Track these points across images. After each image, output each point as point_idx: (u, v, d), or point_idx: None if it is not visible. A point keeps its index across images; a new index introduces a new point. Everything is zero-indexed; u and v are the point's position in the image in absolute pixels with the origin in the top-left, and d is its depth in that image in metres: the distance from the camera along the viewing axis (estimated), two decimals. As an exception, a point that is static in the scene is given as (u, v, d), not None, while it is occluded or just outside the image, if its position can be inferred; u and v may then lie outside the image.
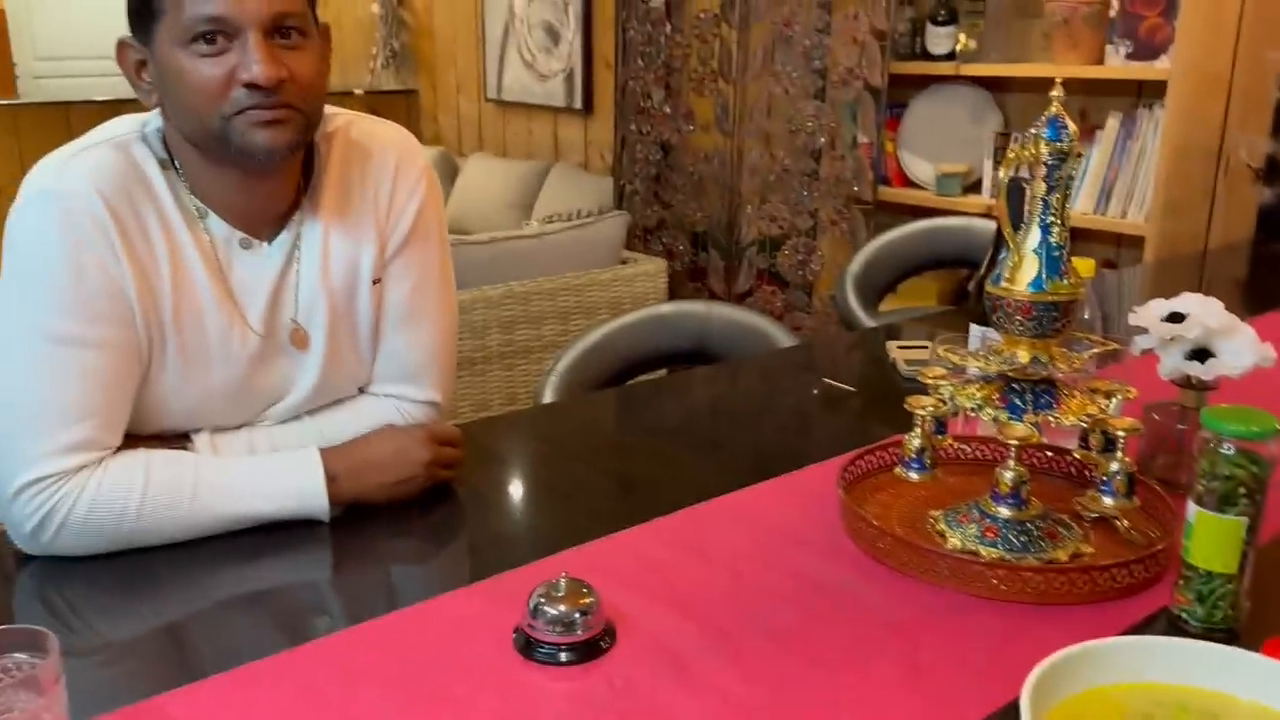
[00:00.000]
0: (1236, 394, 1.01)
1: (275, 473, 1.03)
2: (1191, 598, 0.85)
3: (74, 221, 0.96)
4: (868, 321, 2.30)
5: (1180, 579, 0.86)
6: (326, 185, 1.10)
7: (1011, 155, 0.92)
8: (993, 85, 3.00)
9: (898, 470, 0.99)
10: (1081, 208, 2.68)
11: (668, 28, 3.44)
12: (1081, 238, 2.79)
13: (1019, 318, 0.92)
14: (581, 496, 1.18)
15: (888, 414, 1.35)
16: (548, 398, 1.69)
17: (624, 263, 3.29)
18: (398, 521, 1.06)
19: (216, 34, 0.95)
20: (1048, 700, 0.65)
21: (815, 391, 1.50)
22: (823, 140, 3.17)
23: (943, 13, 2.97)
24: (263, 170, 1.02)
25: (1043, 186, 0.91)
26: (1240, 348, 1.06)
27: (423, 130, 5.30)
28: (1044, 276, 0.91)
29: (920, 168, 3.13)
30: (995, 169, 2.90)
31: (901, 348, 1.57)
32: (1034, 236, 0.92)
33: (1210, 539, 0.83)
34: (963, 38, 2.93)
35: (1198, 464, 0.83)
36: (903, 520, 1.02)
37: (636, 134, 3.58)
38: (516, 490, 1.21)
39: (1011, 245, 0.93)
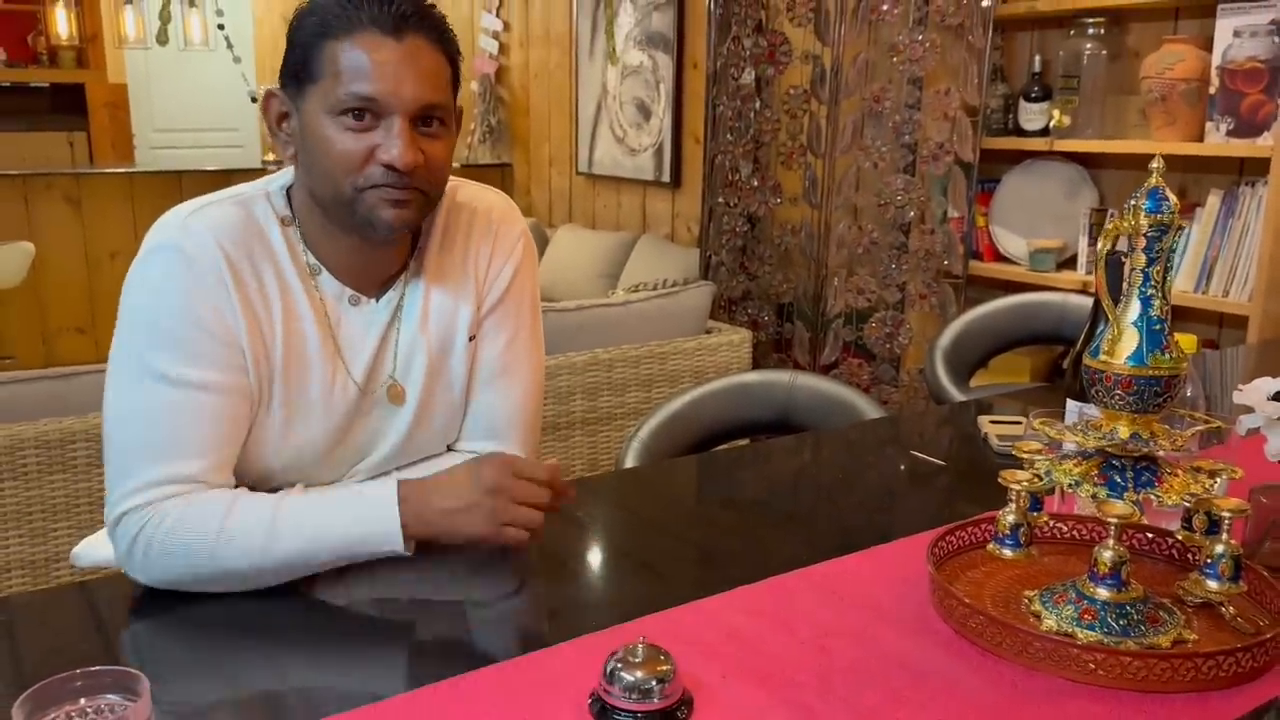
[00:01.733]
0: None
1: (350, 495, 1.05)
2: (1309, 693, 0.80)
3: (195, 272, 1.02)
4: (958, 396, 2.25)
5: (1296, 673, 0.81)
6: (431, 247, 1.14)
7: (1111, 227, 0.91)
8: (1087, 161, 2.96)
9: (990, 547, 0.96)
10: (1181, 286, 2.60)
11: (757, 103, 3.49)
12: (1181, 316, 2.70)
13: (1119, 392, 0.89)
14: (661, 563, 1.17)
15: (978, 490, 1.31)
16: (629, 463, 1.69)
17: (709, 332, 3.30)
18: (477, 581, 1.07)
19: (366, 111, 1.00)
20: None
21: (903, 467, 1.47)
22: (912, 214, 3.15)
23: (1036, 89, 2.95)
24: (381, 241, 1.07)
25: (1142, 259, 0.89)
26: (1358, 430, 1.01)
27: (516, 202, 5.45)
28: (1145, 350, 0.89)
29: (1013, 243, 3.08)
30: (1090, 244, 2.85)
31: (994, 422, 1.54)
32: (1134, 309, 0.90)
33: (1329, 631, 0.78)
34: (1056, 114, 2.90)
35: (1313, 550, 0.79)
36: (995, 599, 0.98)
37: (724, 206, 3.62)
38: (595, 555, 1.21)
39: (1111, 318, 0.91)
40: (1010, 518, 0.94)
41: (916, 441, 1.64)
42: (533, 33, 5.23)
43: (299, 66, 1.02)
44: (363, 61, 0.99)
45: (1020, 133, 3.00)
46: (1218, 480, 0.92)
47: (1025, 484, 0.94)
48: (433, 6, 1.05)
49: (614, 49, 4.59)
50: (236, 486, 1.07)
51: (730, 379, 1.92)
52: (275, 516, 1.00)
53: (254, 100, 5.76)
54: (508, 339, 1.18)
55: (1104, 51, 2.82)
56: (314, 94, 1.02)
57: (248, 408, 1.05)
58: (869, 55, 3.17)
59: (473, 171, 5.32)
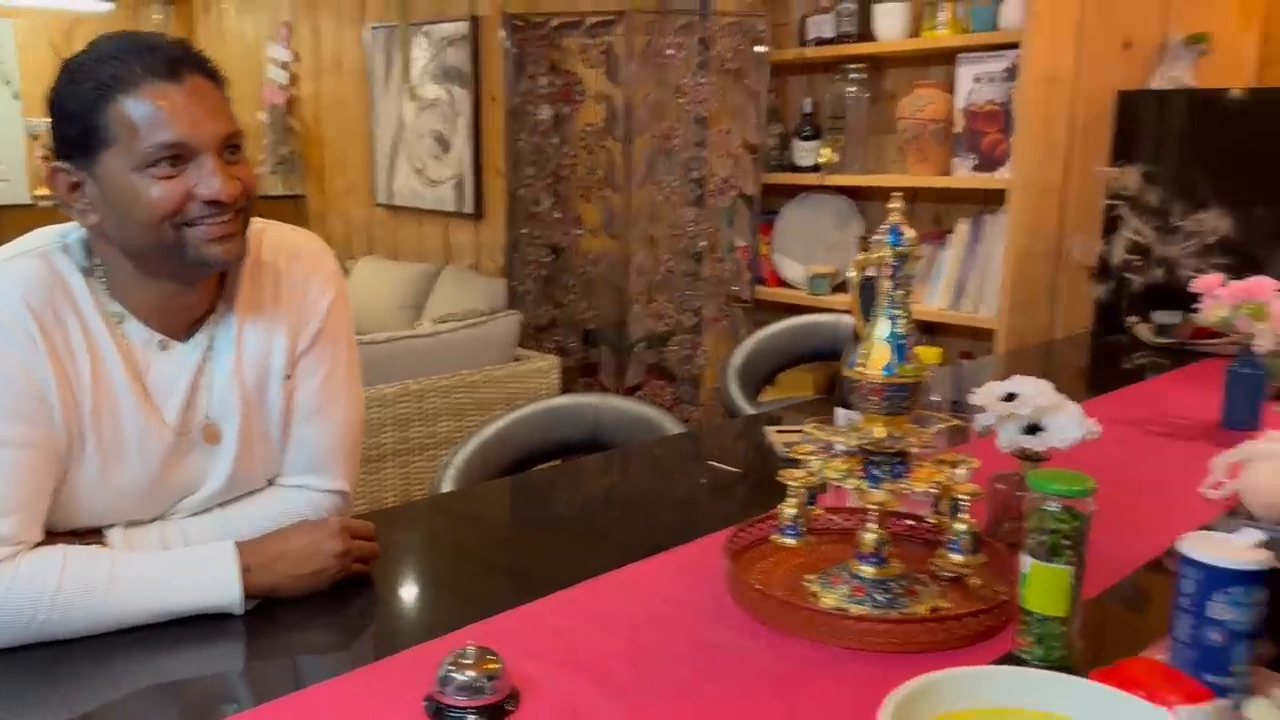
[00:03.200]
0: (1068, 464, 1.16)
1: (190, 566, 1.07)
2: (1031, 640, 0.97)
3: (3, 333, 1.01)
4: (749, 410, 2.43)
5: (1021, 624, 0.98)
6: (241, 287, 1.17)
7: (861, 258, 1.06)
8: (855, 194, 3.26)
9: (774, 538, 1.09)
10: (939, 304, 2.91)
11: (556, 139, 3.61)
12: (941, 331, 3.02)
13: (873, 398, 1.05)
14: (482, 577, 1.24)
15: (769, 493, 1.45)
16: (445, 489, 1.75)
17: (517, 360, 3.38)
18: (308, 611, 1.10)
19: (176, 158, 1.03)
20: (904, 722, 0.75)
21: (704, 481, 1.61)
22: (703, 244, 3.36)
23: (808, 128, 3.22)
24: (203, 277, 1.10)
25: (889, 284, 1.05)
26: (1067, 423, 1.21)
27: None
28: (894, 361, 1.05)
29: (793, 269, 3.34)
30: (862, 269, 3.13)
31: (779, 431, 1.70)
32: (883, 327, 1.06)
33: (1042, 586, 0.95)
34: (826, 151, 3.18)
35: (1028, 521, 0.96)
36: (782, 585, 1.12)
37: (528, 237, 3.71)
38: (421, 575, 1.27)
39: (863, 334, 1.06)
40: (790, 511, 1.08)
41: (714, 453, 1.79)
42: (324, 64, 5.17)
43: (84, 135, 1.02)
44: (155, 111, 1.01)
45: (795, 168, 3.27)
46: (959, 469, 1.09)
47: (801, 480, 1.08)
48: (191, 44, 1.09)
49: (410, 82, 4.61)
50: (61, 531, 1.06)
51: (540, 404, 2.00)
52: (111, 578, 1.02)
53: (34, 137, 5.34)
54: (324, 375, 1.22)
55: (866, 95, 3.12)
56: (111, 157, 1.02)
57: (57, 460, 1.05)
58: (658, 96, 3.36)
59: (264, 203, 5.12)
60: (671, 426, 1.91)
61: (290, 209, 5.31)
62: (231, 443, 1.15)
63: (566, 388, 3.53)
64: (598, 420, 2.00)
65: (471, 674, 0.89)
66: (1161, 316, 2.41)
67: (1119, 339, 2.58)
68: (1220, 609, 0.89)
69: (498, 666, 0.90)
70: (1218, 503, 1.40)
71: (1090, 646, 0.99)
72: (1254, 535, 0.92)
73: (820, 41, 3.12)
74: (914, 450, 1.08)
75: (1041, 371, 2.58)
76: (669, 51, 3.30)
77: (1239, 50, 2.57)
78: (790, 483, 1.08)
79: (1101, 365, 2.51)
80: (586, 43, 3.40)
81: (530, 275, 3.74)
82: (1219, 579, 0.89)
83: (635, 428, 1.96)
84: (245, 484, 1.19)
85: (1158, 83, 2.59)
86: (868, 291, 1.10)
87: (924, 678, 0.78)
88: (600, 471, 1.70)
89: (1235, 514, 1.32)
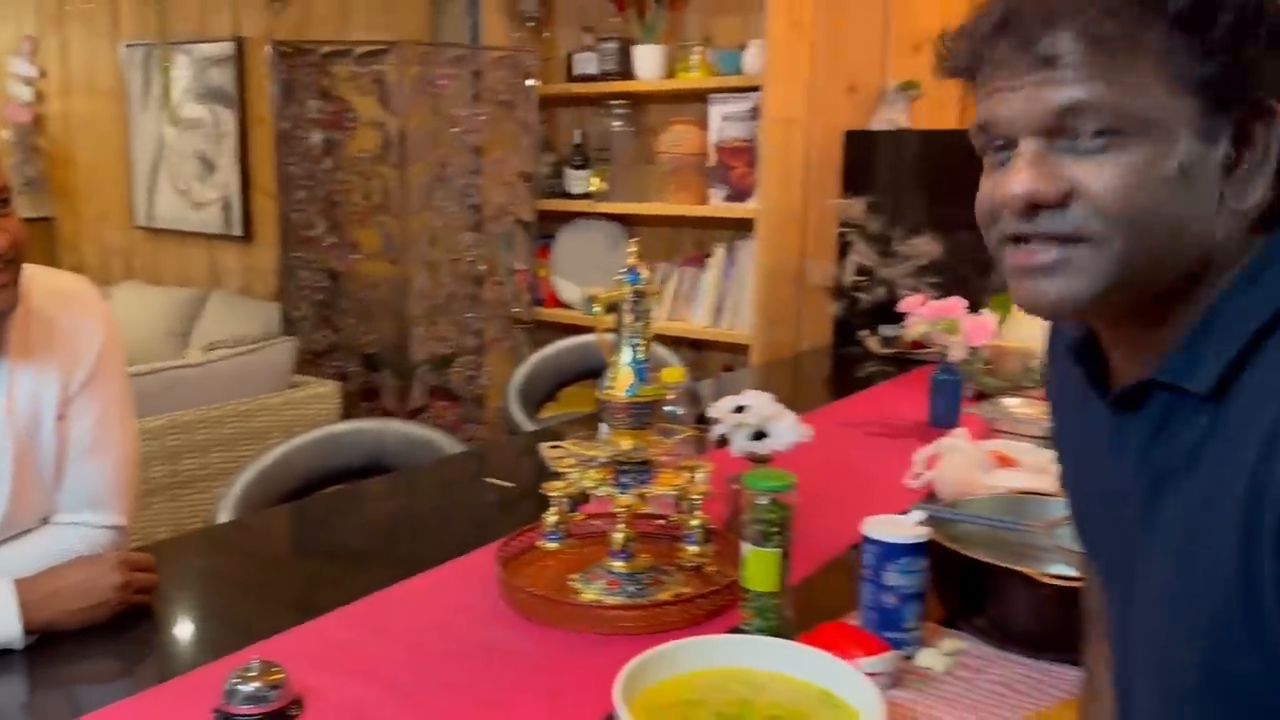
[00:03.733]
0: (794, 464, 1.36)
1: None
2: (751, 614, 1.15)
3: None
4: (530, 427, 2.57)
5: (742, 601, 1.16)
6: (11, 335, 1.19)
7: (606, 296, 1.23)
8: (624, 220, 3.47)
9: (539, 543, 1.23)
10: (702, 322, 3.16)
11: (328, 163, 3.62)
12: (706, 347, 3.28)
13: (621, 415, 1.21)
14: (267, 601, 1.31)
15: (543, 504, 1.59)
16: (223, 520, 1.77)
17: (294, 387, 3.36)
18: (90, 642, 1.14)
19: None
20: (637, 686, 0.91)
21: (485, 497, 1.72)
22: (483, 268, 3.47)
23: (578, 158, 3.41)
24: None
25: (630, 317, 1.22)
26: (785, 429, 1.42)
27: (61, 259, 5.03)
28: (636, 383, 1.21)
29: (570, 291, 3.51)
30: (632, 291, 3.34)
31: (551, 447, 1.84)
32: (627, 353, 1.22)
33: (758, 568, 1.14)
34: (595, 180, 3.36)
35: (745, 514, 1.15)
36: (548, 585, 1.26)
37: (302, 261, 3.68)
38: (202, 602, 1.32)
39: (611, 361, 1.22)
40: (552, 518, 1.22)
41: (494, 470, 1.91)
42: (74, 82, 4.90)
43: None
44: None
45: (569, 195, 3.44)
46: (696, 474, 1.27)
47: (562, 490, 1.22)
48: None
49: (171, 102, 4.45)
50: None
51: (320, 431, 2.05)
52: None
53: None
54: (98, 414, 1.25)
55: (629, 129, 3.34)
56: None
57: None
58: (432, 125, 3.45)
59: (8, 227, 4.82)
60: (454, 447, 2.01)
61: (39, 232, 4.97)
62: (5, 485, 1.17)
63: (348, 413, 3.54)
64: (380, 444, 2.07)
65: (256, 685, 0.97)
66: (886, 330, 2.74)
67: (854, 350, 2.90)
68: (893, 576, 1.11)
69: (281, 676, 0.98)
70: (918, 490, 1.66)
71: (802, 615, 1.19)
72: (919, 515, 1.15)
73: (586, 78, 3.31)
74: (657, 459, 1.25)
75: (788, 382, 2.86)
76: (441, 82, 3.39)
77: (945, 95, 2.96)
78: (552, 493, 1.22)
79: (838, 374, 2.82)
80: (357, 71, 3.44)
81: (306, 300, 3.72)
82: (891, 552, 1.11)
83: (418, 450, 2.04)
84: (19, 524, 1.20)
85: (878, 124, 2.95)
86: (617, 321, 1.26)
87: (654, 650, 0.94)
88: (382, 494, 1.78)
89: (930, 499, 1.58)
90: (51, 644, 1.11)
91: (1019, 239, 0.69)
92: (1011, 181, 0.67)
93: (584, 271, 3.49)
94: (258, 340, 3.39)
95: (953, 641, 1.15)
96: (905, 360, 2.68)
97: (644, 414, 1.21)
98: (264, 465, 1.92)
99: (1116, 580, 0.78)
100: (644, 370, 1.21)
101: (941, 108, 2.90)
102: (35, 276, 1.23)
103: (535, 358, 2.91)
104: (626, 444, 1.21)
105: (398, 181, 3.50)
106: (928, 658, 1.12)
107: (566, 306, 3.52)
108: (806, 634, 1.08)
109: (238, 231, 4.34)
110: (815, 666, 0.99)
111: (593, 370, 3.10)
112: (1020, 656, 1.13)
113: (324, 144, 3.60)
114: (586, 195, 3.40)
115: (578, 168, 3.41)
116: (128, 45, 4.56)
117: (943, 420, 2.05)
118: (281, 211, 3.63)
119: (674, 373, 1.42)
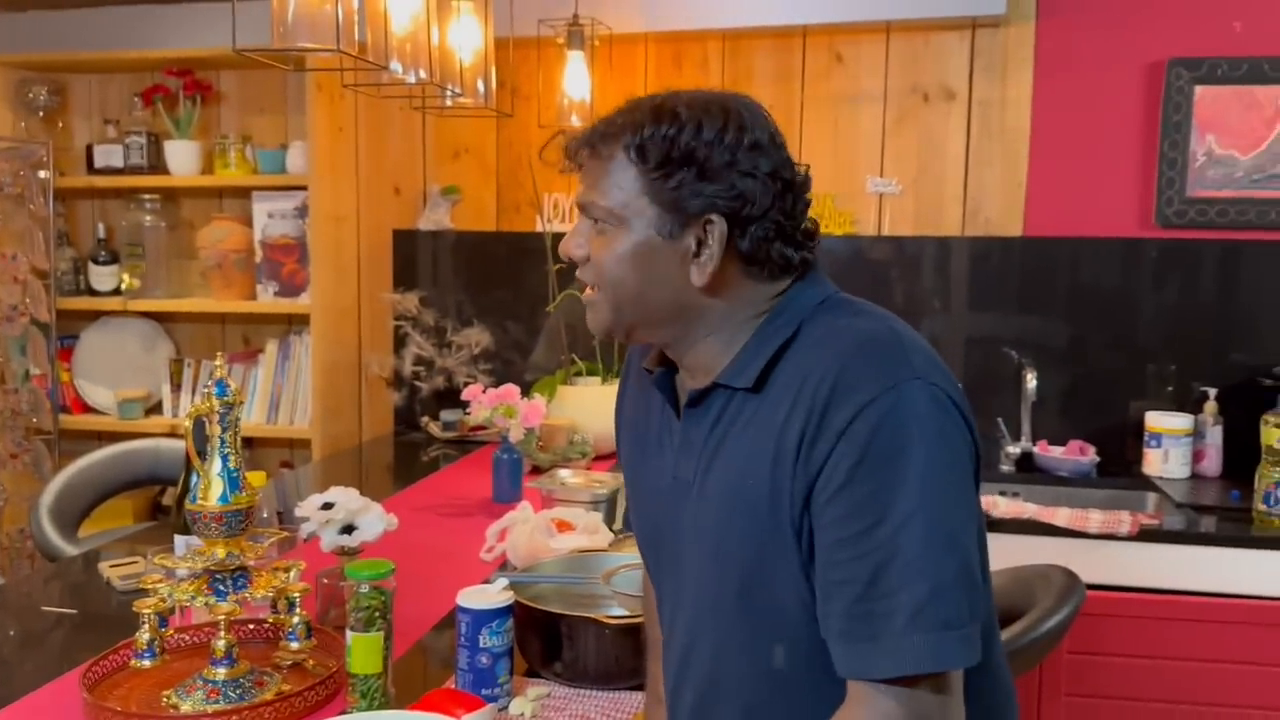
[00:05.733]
0: (379, 553, 1.46)
1: None
2: (357, 697, 1.24)
3: None
4: (70, 550, 2.35)
5: (349, 686, 1.24)
6: None
7: (193, 409, 1.26)
8: (161, 317, 3.30)
9: (133, 663, 1.21)
10: (256, 419, 3.10)
11: None
12: (261, 444, 3.21)
13: (213, 524, 1.24)
14: None
15: (113, 626, 1.52)
16: None
17: None
18: None
19: None
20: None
21: (47, 628, 1.59)
22: (-11, 374, 3.09)
23: (104, 253, 3.19)
24: None
25: (219, 428, 1.26)
26: (373, 520, 1.53)
27: None
28: (229, 492, 1.25)
29: (100, 395, 3.24)
30: (174, 391, 3.18)
31: (114, 566, 1.75)
32: (217, 463, 1.26)
33: (362, 652, 1.23)
34: (126, 276, 3.19)
35: (348, 604, 1.24)
36: (142, 704, 1.23)
37: None
38: None
39: (200, 472, 1.25)
40: (145, 636, 1.21)
41: (41, 600, 1.75)
42: None
43: None
44: None
45: (94, 293, 3.20)
46: (290, 573, 1.32)
47: (153, 606, 1.22)
48: None
49: None
50: None
51: None
52: None
53: None
54: None
55: (163, 223, 3.21)
56: None
57: None
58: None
59: None
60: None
61: None
62: None
63: None
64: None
65: None
66: (446, 415, 2.92)
67: (416, 436, 3.04)
68: (486, 639, 1.26)
69: None
70: (493, 561, 1.84)
71: (406, 689, 1.29)
72: (502, 582, 1.32)
73: (111, 170, 3.14)
74: (251, 563, 1.29)
75: (355, 472, 2.93)
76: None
77: (483, 200, 3.24)
78: (144, 611, 1.21)
79: (403, 461, 2.94)
80: None
81: None
82: (483, 617, 1.26)
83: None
84: None
85: (424, 224, 3.15)
86: (200, 432, 1.29)
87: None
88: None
89: (504, 568, 1.76)
90: None
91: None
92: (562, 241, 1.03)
93: (116, 373, 3.25)
94: None
95: (536, 689, 1.33)
96: (466, 442, 2.87)
97: (238, 521, 1.25)
98: None
99: (669, 557, 1.08)
100: (236, 479, 1.25)
101: (481, 211, 3.19)
102: None
103: (67, 472, 2.67)
104: (221, 552, 1.24)
105: None
106: (518, 705, 1.29)
107: (97, 411, 3.24)
108: (413, 704, 1.20)
109: None
110: (425, 731, 1.11)
111: (135, 480, 2.91)
112: (593, 690, 1.34)
113: None
114: (116, 292, 3.19)
115: (104, 263, 3.19)
116: None
117: (507, 495, 2.26)
118: None
119: (257, 476, 1.46)
